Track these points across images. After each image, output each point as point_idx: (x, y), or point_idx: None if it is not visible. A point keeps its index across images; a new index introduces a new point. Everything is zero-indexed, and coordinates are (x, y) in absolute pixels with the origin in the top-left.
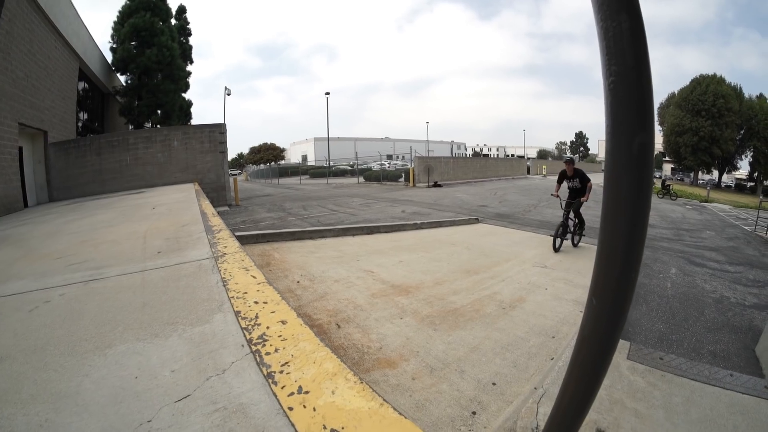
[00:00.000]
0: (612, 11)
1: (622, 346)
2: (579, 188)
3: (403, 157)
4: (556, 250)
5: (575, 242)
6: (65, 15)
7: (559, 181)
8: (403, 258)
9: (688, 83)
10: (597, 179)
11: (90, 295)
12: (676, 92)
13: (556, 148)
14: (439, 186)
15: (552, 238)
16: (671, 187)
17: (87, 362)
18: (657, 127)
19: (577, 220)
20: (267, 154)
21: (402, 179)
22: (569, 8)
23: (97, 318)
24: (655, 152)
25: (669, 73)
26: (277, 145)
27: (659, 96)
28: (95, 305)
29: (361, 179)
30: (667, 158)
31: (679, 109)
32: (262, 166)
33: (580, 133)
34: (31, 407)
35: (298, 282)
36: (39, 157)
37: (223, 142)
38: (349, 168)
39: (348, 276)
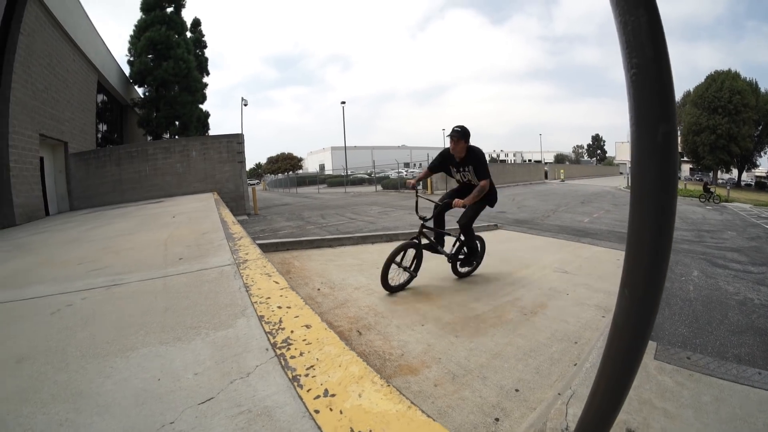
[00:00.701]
0: (630, 6)
1: (649, 346)
2: (470, 186)
3: (420, 164)
4: (391, 290)
5: (462, 271)
6: (82, 30)
7: (433, 169)
8: (422, 265)
9: (703, 80)
10: (615, 182)
11: (112, 300)
12: (691, 90)
13: (573, 151)
14: None
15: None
16: (714, 190)
17: (109, 364)
18: None
19: (463, 239)
20: (284, 164)
21: (420, 186)
22: (579, 9)
23: (119, 321)
24: None
25: (683, 70)
26: (295, 154)
27: (675, 94)
28: (117, 309)
29: (379, 188)
30: (685, 158)
31: (695, 107)
32: (280, 175)
33: (597, 135)
34: (51, 407)
35: (319, 289)
36: (60, 167)
37: (241, 152)
38: (367, 177)
39: (368, 283)
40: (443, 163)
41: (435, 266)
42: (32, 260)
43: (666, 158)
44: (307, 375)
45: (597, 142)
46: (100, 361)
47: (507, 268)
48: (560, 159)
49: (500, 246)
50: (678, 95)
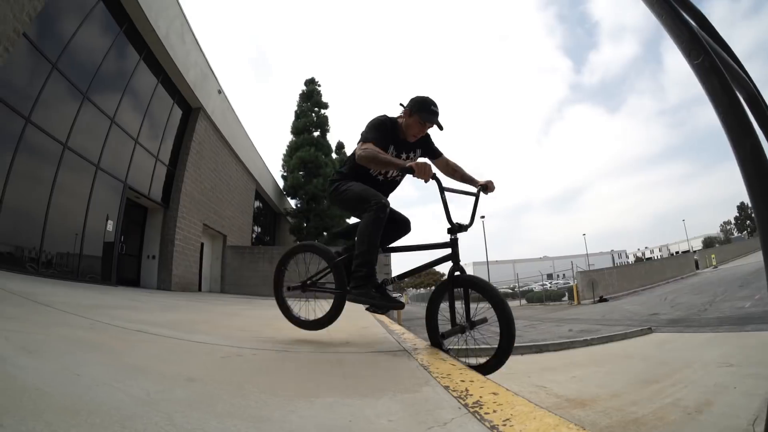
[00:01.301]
0: (708, 74)
1: None
2: (391, 183)
3: (564, 275)
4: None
5: None
6: (243, 145)
7: (380, 141)
8: (575, 374)
9: None
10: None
11: (285, 361)
12: None
13: (721, 230)
14: (605, 300)
15: None
16: None
17: (292, 403)
18: None
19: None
20: (427, 279)
21: (565, 298)
22: (684, 67)
23: (297, 377)
24: None
25: None
26: (437, 269)
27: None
28: (292, 368)
29: (523, 301)
30: None
31: None
32: (422, 290)
33: (742, 204)
34: (226, 420)
35: None
36: (217, 254)
37: (387, 264)
38: (510, 290)
39: (520, 390)
40: (386, 138)
41: (589, 374)
42: (194, 318)
43: (756, 163)
44: (504, 425)
45: (743, 212)
46: (280, 399)
47: (665, 370)
48: (709, 242)
49: (656, 349)
50: None
